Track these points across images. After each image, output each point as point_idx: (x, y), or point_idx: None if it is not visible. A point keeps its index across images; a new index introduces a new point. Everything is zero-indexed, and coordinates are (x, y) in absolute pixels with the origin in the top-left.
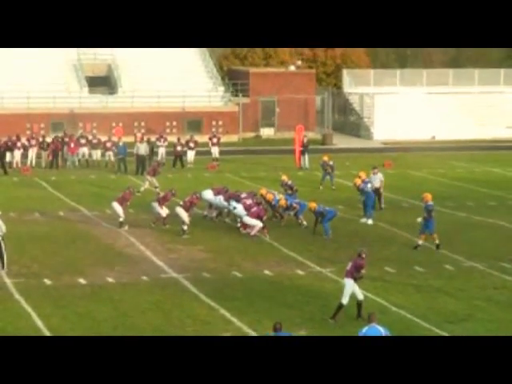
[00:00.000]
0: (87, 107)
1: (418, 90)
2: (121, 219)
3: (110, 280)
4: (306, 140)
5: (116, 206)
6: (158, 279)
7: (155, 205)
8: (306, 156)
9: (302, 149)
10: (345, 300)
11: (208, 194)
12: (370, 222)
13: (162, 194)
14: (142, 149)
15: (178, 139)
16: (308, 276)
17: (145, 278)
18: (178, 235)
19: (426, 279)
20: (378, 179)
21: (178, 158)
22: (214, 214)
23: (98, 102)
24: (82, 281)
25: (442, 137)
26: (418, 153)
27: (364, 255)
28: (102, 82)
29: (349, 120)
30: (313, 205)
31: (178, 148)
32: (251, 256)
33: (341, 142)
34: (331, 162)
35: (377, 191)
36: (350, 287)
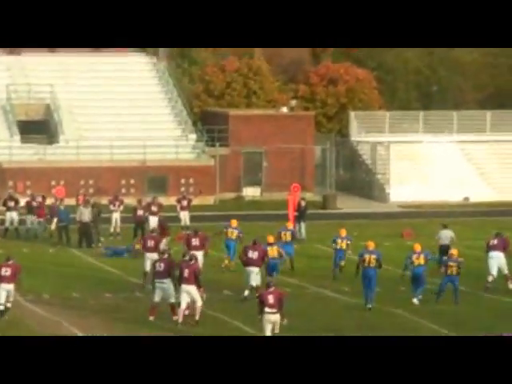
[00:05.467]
0: (19, 160)
1: (447, 137)
2: None
3: None
4: (303, 203)
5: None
6: None
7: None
8: (303, 224)
9: (297, 214)
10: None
11: None
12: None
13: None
14: (86, 214)
15: (139, 201)
16: None
17: None
18: None
19: None
20: (447, 235)
21: (139, 225)
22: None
23: (33, 154)
24: None
25: (477, 198)
26: (446, 219)
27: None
28: (39, 128)
29: (358, 177)
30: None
31: (140, 213)
32: None
33: (347, 205)
34: None
35: (445, 248)
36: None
